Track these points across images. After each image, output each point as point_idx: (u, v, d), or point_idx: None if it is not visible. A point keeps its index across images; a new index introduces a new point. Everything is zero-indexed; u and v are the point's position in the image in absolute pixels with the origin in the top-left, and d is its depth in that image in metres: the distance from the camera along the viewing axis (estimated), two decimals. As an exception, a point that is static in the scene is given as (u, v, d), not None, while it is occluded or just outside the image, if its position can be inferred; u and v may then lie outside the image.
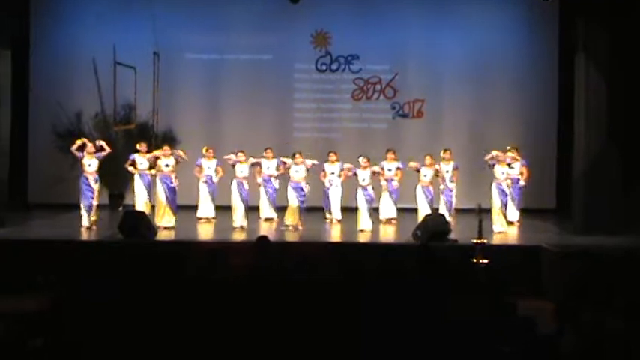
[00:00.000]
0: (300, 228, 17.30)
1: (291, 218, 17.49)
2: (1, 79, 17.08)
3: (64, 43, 21.02)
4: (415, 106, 21.42)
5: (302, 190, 17.57)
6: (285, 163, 17.90)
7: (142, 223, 15.72)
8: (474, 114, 21.19)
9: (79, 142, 17.34)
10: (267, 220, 18.16)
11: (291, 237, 16.57)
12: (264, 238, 11.66)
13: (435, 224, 15.76)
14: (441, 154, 18.04)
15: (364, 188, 17.62)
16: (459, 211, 18.04)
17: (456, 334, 7.86)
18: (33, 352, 7.43)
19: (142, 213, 16.58)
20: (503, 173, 17.14)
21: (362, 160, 17.74)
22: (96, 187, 17.22)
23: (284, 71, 21.38)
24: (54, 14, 21.13)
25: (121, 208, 19.63)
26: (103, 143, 17.58)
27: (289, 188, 17.61)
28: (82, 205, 17.02)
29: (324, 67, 21.50)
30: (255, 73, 21.32)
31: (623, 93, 16.53)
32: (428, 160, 17.76)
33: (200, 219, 18.04)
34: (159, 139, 20.40)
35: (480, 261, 13.34)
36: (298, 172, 17.68)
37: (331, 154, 18.14)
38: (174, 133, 20.93)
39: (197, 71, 21.32)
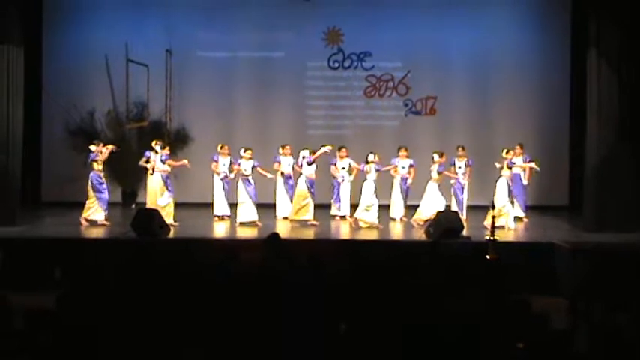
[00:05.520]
0: (316, 223, 17.28)
1: (307, 214, 17.48)
2: (14, 76, 17.10)
3: (77, 40, 21.05)
4: (427, 103, 21.40)
5: (313, 186, 17.57)
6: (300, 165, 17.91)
7: (154, 221, 15.74)
8: (486, 111, 21.17)
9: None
10: (285, 218, 18.08)
11: (301, 234, 16.58)
12: (275, 235, 11.66)
13: (448, 221, 15.71)
14: (456, 150, 18.09)
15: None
16: (470, 208, 18.02)
17: (469, 330, 7.85)
18: (47, 347, 7.46)
19: (155, 211, 16.58)
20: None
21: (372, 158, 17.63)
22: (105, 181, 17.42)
23: (296, 69, 21.38)
24: (66, 12, 21.19)
25: (133, 206, 19.67)
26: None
27: (303, 184, 17.61)
28: (100, 202, 17.12)
29: (336, 65, 21.50)
30: (267, 71, 21.33)
31: (636, 89, 16.49)
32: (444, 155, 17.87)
33: (216, 217, 17.99)
34: (172, 136, 20.42)
35: (493, 258, 13.34)
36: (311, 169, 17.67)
37: (342, 150, 18.16)
38: (186, 130, 20.92)
39: (209, 69, 21.35)
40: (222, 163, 17.88)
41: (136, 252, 13.82)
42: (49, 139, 21.12)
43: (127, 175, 20.06)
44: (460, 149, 18.17)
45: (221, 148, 17.96)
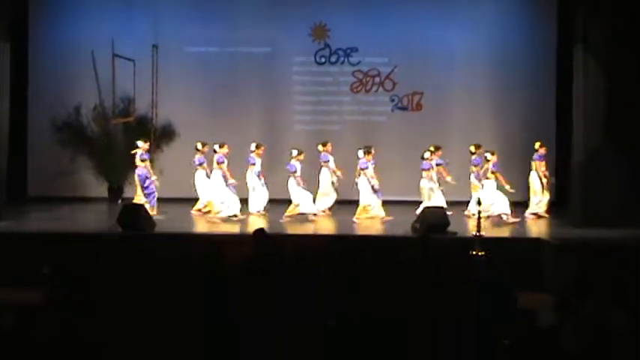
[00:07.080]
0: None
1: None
2: (0, 71, 17.06)
3: (63, 35, 21.01)
4: (414, 99, 21.40)
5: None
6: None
7: (140, 217, 15.72)
8: (471, 107, 21.14)
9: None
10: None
11: (295, 230, 16.61)
12: (261, 230, 11.67)
13: (434, 217, 15.74)
14: (472, 148, 18.19)
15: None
16: (455, 204, 18.04)
17: (456, 327, 7.87)
18: (39, 345, 7.44)
19: (141, 206, 16.56)
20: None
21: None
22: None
23: (283, 64, 21.34)
24: (53, 6, 21.15)
25: (119, 202, 19.63)
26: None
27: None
28: (148, 199, 17.43)
29: (323, 60, 21.48)
30: (254, 66, 21.29)
31: (622, 85, 16.51)
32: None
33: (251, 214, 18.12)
34: (157, 131, 20.38)
35: (479, 254, 13.36)
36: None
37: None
38: (173, 125, 20.89)
39: (196, 64, 21.30)
40: (258, 161, 18.09)
41: (125, 247, 13.77)
42: (35, 134, 21.02)
43: (114, 170, 20.04)
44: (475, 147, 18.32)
45: (257, 147, 18.12)
